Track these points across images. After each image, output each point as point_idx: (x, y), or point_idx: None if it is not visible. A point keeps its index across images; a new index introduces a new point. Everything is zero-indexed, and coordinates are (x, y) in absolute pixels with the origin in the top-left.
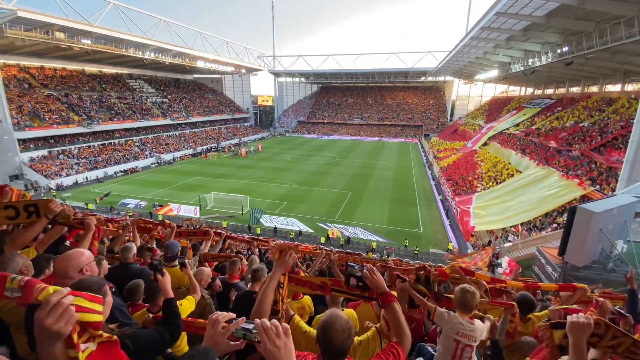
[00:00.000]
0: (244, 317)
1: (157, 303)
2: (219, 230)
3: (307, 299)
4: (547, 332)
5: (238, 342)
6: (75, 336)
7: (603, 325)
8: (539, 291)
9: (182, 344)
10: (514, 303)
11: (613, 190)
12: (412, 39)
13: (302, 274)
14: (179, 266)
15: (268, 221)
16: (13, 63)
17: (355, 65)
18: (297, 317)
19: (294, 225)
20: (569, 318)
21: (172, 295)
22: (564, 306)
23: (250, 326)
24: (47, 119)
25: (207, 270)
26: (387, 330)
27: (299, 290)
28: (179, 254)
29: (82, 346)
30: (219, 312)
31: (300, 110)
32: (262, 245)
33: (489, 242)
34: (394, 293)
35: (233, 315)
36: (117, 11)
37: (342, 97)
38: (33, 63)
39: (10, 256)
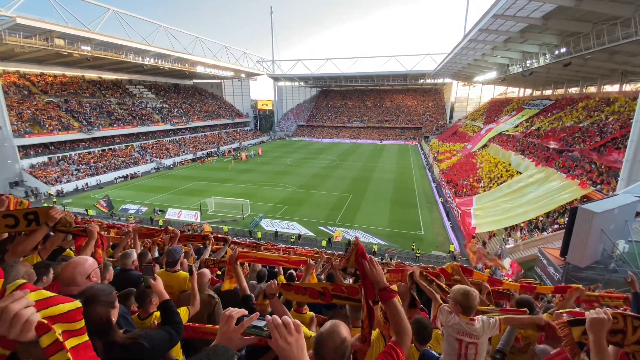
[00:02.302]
0: (257, 314)
1: (147, 309)
2: (224, 236)
3: (309, 315)
4: (566, 329)
5: (251, 337)
6: (57, 336)
7: (621, 318)
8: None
9: (177, 349)
10: (525, 309)
11: (613, 190)
12: (411, 42)
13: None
14: (181, 271)
15: (269, 225)
16: (12, 70)
17: (354, 68)
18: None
19: (295, 229)
20: (588, 314)
21: (167, 297)
22: (567, 310)
23: (262, 323)
24: (47, 126)
25: (207, 271)
26: (384, 323)
27: (299, 299)
28: (180, 259)
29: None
30: (232, 309)
31: (300, 114)
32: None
33: (483, 243)
34: (395, 288)
35: (245, 312)
36: (116, 17)
37: (341, 100)
38: (33, 70)
39: (12, 264)
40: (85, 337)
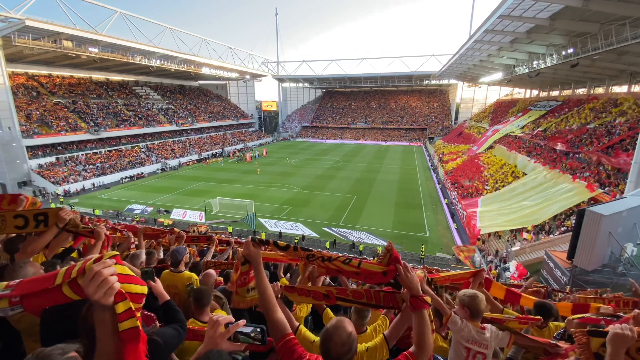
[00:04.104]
0: (244, 320)
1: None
2: (228, 238)
3: (300, 311)
4: (584, 338)
5: (239, 344)
6: (130, 304)
7: None
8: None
9: None
10: (540, 317)
11: (622, 192)
12: (416, 43)
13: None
14: (185, 271)
15: (273, 226)
16: (21, 71)
17: (358, 69)
18: (302, 328)
19: (299, 229)
20: (612, 329)
21: (168, 297)
22: (579, 315)
23: (249, 330)
24: (55, 126)
25: (212, 272)
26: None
27: (303, 301)
28: (183, 260)
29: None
30: (219, 314)
31: (304, 115)
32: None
33: (483, 241)
34: (428, 299)
35: (232, 318)
36: (123, 20)
37: (345, 101)
38: (41, 71)
39: (22, 264)
40: (139, 314)
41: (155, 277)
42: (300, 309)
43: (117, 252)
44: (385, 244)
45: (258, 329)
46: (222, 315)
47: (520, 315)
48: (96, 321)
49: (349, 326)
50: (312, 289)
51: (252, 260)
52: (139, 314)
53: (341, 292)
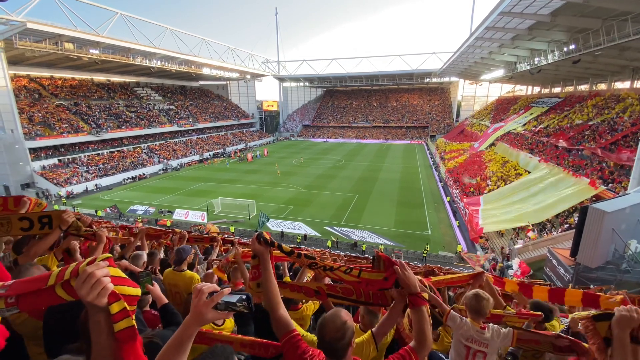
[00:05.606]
0: (229, 289)
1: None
2: (230, 238)
3: (307, 309)
4: (591, 325)
5: (225, 312)
6: (125, 304)
7: None
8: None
9: None
10: (540, 313)
11: (625, 189)
12: (417, 41)
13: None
14: (187, 271)
15: (275, 225)
16: (23, 74)
17: (359, 68)
18: (297, 328)
19: (301, 229)
20: (617, 311)
21: (166, 300)
22: (585, 313)
23: (235, 298)
24: (57, 128)
25: (212, 272)
26: (408, 331)
27: (293, 297)
28: (187, 259)
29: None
30: (203, 283)
31: (305, 115)
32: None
33: (486, 239)
34: (425, 295)
35: (217, 287)
36: (124, 21)
37: (346, 100)
38: (43, 73)
39: (27, 266)
40: (133, 315)
41: (154, 281)
42: (307, 307)
43: (110, 255)
44: (387, 242)
45: (244, 297)
46: (207, 284)
47: (520, 311)
48: (91, 323)
49: (345, 316)
50: (304, 285)
51: (260, 256)
52: (133, 316)
53: (331, 288)
